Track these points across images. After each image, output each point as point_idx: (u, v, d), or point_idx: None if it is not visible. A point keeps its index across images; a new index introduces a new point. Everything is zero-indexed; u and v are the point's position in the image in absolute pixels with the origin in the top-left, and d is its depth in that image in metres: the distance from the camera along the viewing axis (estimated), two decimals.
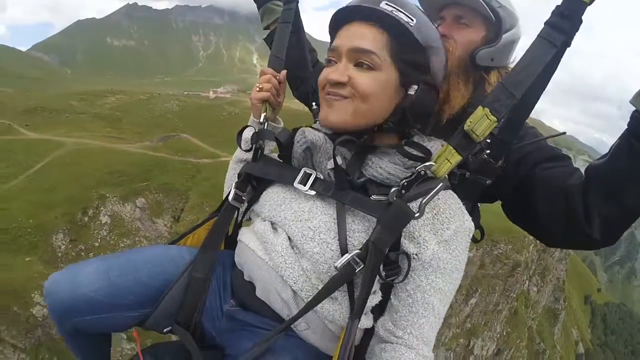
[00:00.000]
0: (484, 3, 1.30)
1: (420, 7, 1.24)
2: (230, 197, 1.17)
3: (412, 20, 0.96)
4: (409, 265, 0.92)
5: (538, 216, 1.21)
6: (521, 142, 1.24)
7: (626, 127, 1.02)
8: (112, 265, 1.06)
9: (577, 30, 0.91)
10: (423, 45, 0.97)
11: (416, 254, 0.94)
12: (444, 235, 0.94)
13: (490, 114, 0.90)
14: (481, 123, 0.90)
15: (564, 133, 1.57)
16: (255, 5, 1.71)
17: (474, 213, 1.14)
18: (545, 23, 0.92)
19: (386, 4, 0.96)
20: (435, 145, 1.02)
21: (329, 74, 1.01)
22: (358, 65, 0.99)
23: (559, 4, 0.92)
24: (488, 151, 1.13)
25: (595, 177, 1.09)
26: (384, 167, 0.98)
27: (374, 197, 0.96)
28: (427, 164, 0.92)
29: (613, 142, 1.06)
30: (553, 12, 0.92)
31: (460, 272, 0.99)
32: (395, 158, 0.99)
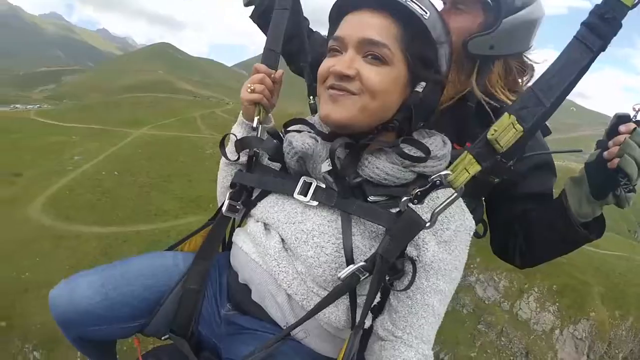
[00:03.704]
0: None
1: None
2: (223, 209, 1.10)
3: (426, 13, 0.87)
4: (414, 271, 0.86)
5: (494, 227, 1.32)
6: (530, 150, 1.22)
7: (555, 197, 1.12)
8: (107, 279, 1.05)
9: (615, 35, 0.85)
10: (435, 40, 0.89)
11: (417, 257, 0.89)
12: (443, 235, 0.89)
13: (516, 122, 0.85)
14: (506, 133, 0.85)
15: (580, 150, 1.49)
16: None
17: (477, 209, 1.13)
18: (582, 24, 0.86)
19: None
20: (435, 142, 0.95)
21: (333, 65, 0.90)
22: (367, 57, 0.88)
23: (599, 3, 0.85)
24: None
25: (528, 226, 1.22)
26: (381, 167, 0.91)
27: (371, 198, 0.90)
28: (443, 173, 0.86)
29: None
30: (592, 13, 0.85)
31: (460, 271, 0.93)
32: (393, 157, 0.91)
